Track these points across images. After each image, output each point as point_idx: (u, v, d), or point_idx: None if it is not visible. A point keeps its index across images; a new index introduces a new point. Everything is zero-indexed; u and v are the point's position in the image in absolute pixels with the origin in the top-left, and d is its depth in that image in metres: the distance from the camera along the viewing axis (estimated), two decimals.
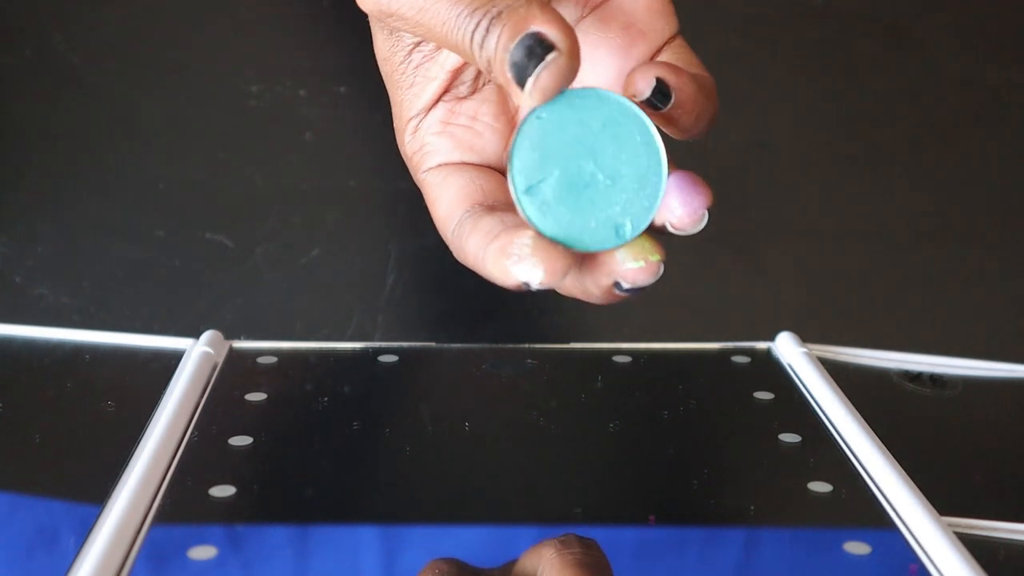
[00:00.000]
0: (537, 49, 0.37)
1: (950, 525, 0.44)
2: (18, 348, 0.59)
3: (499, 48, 0.37)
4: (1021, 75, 0.85)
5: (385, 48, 0.43)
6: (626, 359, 0.57)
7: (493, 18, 0.38)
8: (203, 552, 0.42)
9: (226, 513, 0.44)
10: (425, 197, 0.44)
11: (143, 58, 0.77)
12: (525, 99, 0.38)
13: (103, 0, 0.77)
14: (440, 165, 0.44)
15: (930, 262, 0.80)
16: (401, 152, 0.45)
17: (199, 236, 0.74)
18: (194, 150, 0.76)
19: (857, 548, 0.43)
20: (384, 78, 0.44)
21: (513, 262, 0.37)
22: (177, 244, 0.74)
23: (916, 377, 0.58)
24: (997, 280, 0.79)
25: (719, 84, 0.42)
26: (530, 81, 0.37)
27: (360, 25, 0.46)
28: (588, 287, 0.40)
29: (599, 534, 0.43)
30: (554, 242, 0.37)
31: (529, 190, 0.38)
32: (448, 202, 0.42)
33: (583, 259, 0.39)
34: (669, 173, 0.38)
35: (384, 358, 0.57)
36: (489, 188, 0.42)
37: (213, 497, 0.45)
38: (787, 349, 0.58)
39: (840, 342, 0.60)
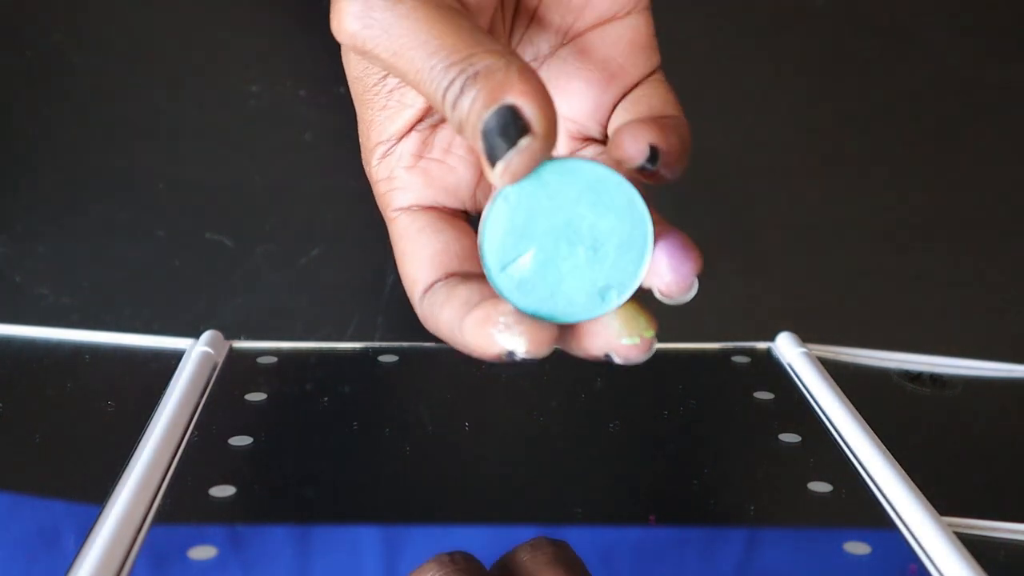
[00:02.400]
0: (511, 129, 0.35)
1: (950, 525, 0.44)
2: (18, 348, 0.59)
3: (472, 113, 0.35)
4: (1021, 75, 0.85)
5: (358, 69, 0.41)
6: None
7: (469, 78, 0.35)
8: (203, 552, 0.42)
9: (226, 513, 0.44)
10: (392, 237, 0.42)
11: (143, 58, 0.77)
12: (494, 179, 0.36)
13: (103, 0, 0.77)
14: (411, 207, 0.42)
15: (930, 262, 0.80)
16: (367, 173, 0.43)
17: (199, 236, 0.74)
18: (194, 150, 0.76)
19: (857, 548, 0.43)
20: (353, 96, 0.42)
21: (499, 330, 0.36)
22: (177, 244, 0.74)
23: (916, 377, 0.58)
24: (997, 280, 0.79)
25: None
26: (500, 165, 0.35)
27: None
28: (579, 354, 0.38)
29: (599, 534, 0.43)
30: (546, 320, 0.36)
31: (504, 268, 0.36)
32: (419, 263, 0.40)
33: (575, 327, 0.37)
34: (656, 236, 0.37)
35: (384, 358, 0.57)
36: (462, 251, 0.40)
37: (213, 497, 0.45)
38: (787, 349, 0.58)
39: (840, 342, 0.60)
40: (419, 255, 0.40)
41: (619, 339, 0.37)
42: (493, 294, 0.37)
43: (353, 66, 0.40)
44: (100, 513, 0.43)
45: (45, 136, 0.76)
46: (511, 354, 0.36)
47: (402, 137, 0.41)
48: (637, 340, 0.37)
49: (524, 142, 0.35)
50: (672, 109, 0.41)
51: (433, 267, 0.40)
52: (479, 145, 0.35)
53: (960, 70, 0.84)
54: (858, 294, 0.78)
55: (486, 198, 0.42)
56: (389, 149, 0.42)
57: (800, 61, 0.84)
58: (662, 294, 0.38)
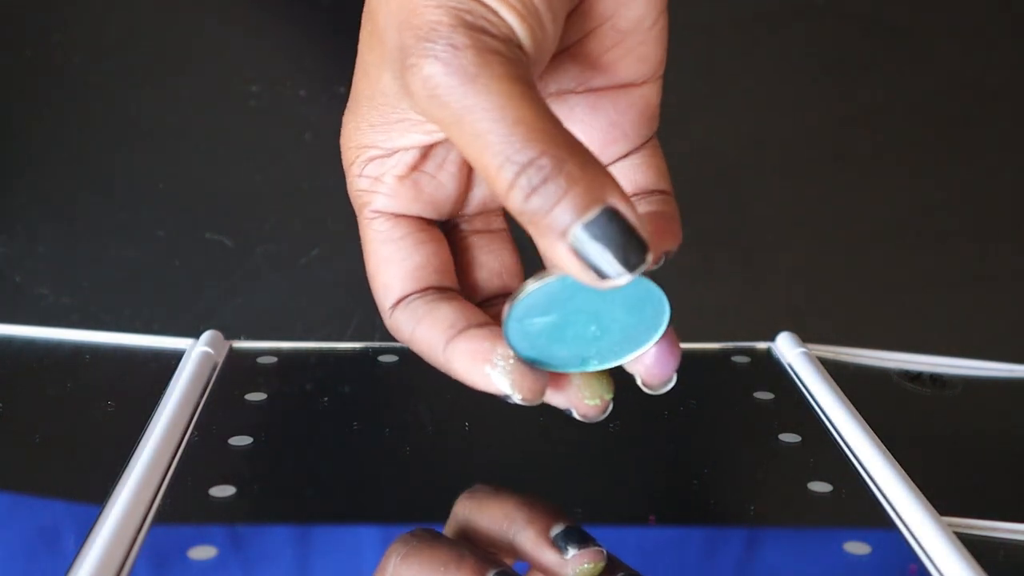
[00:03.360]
0: (632, 246, 0.34)
1: (950, 525, 0.44)
2: (18, 348, 0.59)
3: (563, 212, 0.34)
4: (1020, 75, 0.85)
5: (394, 85, 0.38)
6: None
7: (554, 168, 0.34)
8: (203, 552, 0.42)
9: (226, 513, 0.44)
10: (365, 236, 0.42)
11: (143, 58, 0.77)
12: (591, 284, 0.35)
13: (103, 0, 0.77)
14: (394, 215, 0.42)
15: (930, 262, 0.80)
16: (343, 153, 0.42)
17: (199, 236, 0.74)
18: (194, 150, 0.77)
19: (857, 548, 0.43)
20: (361, 91, 0.40)
21: (498, 374, 0.38)
22: (177, 244, 0.74)
23: (916, 377, 0.59)
24: (997, 280, 0.79)
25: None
26: (616, 281, 0.35)
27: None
28: (547, 398, 0.40)
29: (599, 534, 0.43)
30: (528, 362, 0.38)
31: (521, 320, 0.38)
32: (397, 272, 0.41)
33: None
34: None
35: (384, 358, 0.57)
36: (441, 265, 0.41)
37: (213, 497, 0.45)
38: (787, 349, 0.58)
39: (840, 342, 0.60)
40: (400, 265, 0.41)
41: (580, 399, 0.40)
42: (478, 317, 0.39)
43: (387, 81, 0.39)
44: (100, 513, 0.43)
45: (45, 136, 0.76)
46: (507, 396, 0.38)
47: (398, 152, 0.41)
48: (597, 401, 0.40)
49: (650, 259, 0.35)
50: (664, 183, 0.42)
51: (413, 279, 0.41)
52: (570, 253, 0.34)
53: (961, 70, 0.84)
54: (858, 294, 0.78)
55: (463, 208, 0.43)
56: (384, 155, 0.41)
57: (800, 60, 0.84)
58: (644, 383, 0.41)
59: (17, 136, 0.76)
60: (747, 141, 0.82)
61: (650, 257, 0.35)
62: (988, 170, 0.83)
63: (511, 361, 0.38)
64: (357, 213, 0.42)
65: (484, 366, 0.38)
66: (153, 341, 0.59)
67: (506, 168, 0.34)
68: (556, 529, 0.42)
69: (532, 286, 0.37)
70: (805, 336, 0.59)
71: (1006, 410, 0.58)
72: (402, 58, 0.36)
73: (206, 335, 0.57)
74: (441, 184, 0.42)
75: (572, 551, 0.41)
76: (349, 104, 0.41)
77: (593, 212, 0.34)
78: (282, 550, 0.43)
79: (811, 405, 0.53)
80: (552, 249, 0.35)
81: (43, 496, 0.48)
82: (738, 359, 0.58)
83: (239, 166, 0.76)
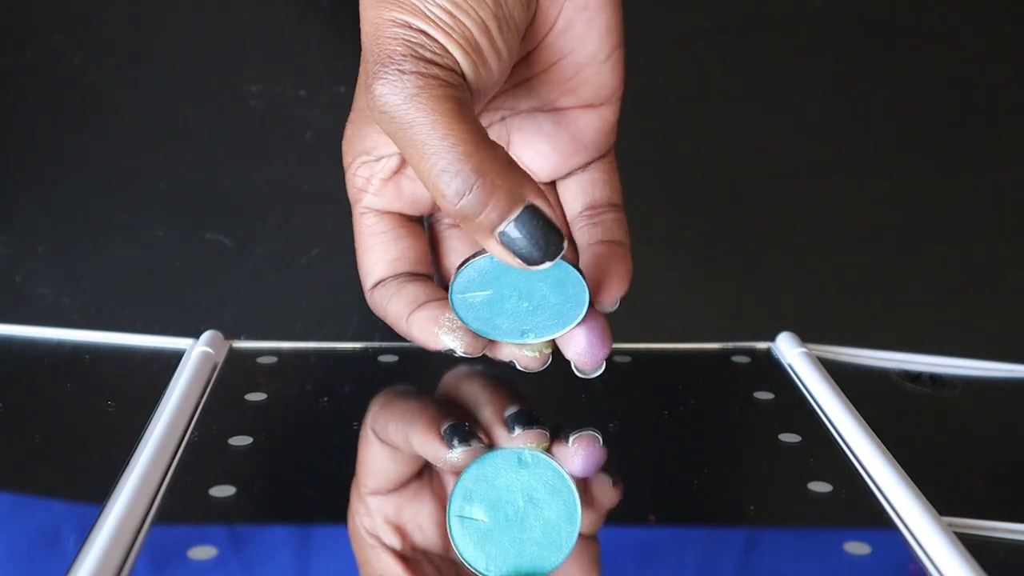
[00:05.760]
0: (552, 236, 0.41)
1: (950, 525, 0.44)
2: (18, 348, 0.59)
3: (490, 213, 0.40)
4: (1021, 75, 0.85)
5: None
6: (626, 359, 0.57)
7: (479, 174, 0.40)
8: (203, 552, 0.42)
9: (226, 513, 0.44)
10: (356, 228, 0.49)
11: (143, 58, 0.77)
12: (516, 265, 0.42)
13: (103, 0, 0.77)
14: (382, 212, 0.49)
15: (930, 263, 0.80)
16: (344, 151, 0.49)
17: (199, 236, 0.74)
18: (194, 150, 0.76)
19: (857, 548, 0.43)
20: (358, 104, 0.47)
21: (444, 332, 0.46)
22: (177, 244, 0.74)
23: (916, 377, 0.59)
24: (997, 280, 0.79)
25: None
26: (542, 266, 0.42)
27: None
28: (490, 356, 0.47)
29: (599, 534, 0.43)
30: (475, 333, 0.46)
31: (463, 293, 0.45)
32: (378, 261, 0.49)
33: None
34: (585, 318, 0.45)
35: (384, 358, 0.57)
36: (416, 257, 0.49)
37: (213, 497, 0.45)
38: (787, 349, 0.58)
39: (840, 342, 0.60)
40: (381, 255, 0.49)
41: (523, 351, 0.46)
42: (436, 294, 0.47)
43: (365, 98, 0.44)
44: (100, 513, 0.43)
45: (45, 136, 0.76)
46: (451, 351, 0.46)
47: (384, 157, 0.48)
48: (537, 355, 0.46)
49: (566, 245, 0.42)
50: (616, 197, 0.49)
51: (390, 268, 0.49)
52: (499, 242, 0.41)
53: (960, 70, 0.84)
54: (858, 294, 0.78)
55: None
56: (372, 160, 0.48)
57: (800, 61, 0.84)
58: (576, 367, 0.47)
59: (17, 136, 0.76)
60: (747, 141, 0.82)
61: (566, 244, 0.42)
62: (988, 170, 0.83)
63: (455, 321, 0.46)
64: (352, 207, 0.49)
65: (434, 328, 0.46)
66: (153, 341, 0.59)
67: (440, 177, 0.40)
68: (510, 410, 0.50)
69: (468, 263, 0.44)
70: (805, 336, 0.59)
71: (1006, 410, 0.58)
72: (364, 79, 0.42)
73: (206, 335, 0.57)
74: (419, 186, 0.48)
75: (518, 431, 0.48)
76: (351, 113, 0.48)
77: (516, 211, 0.41)
78: (282, 550, 0.43)
79: (811, 405, 0.53)
80: (484, 243, 0.42)
81: (43, 496, 0.48)
82: (738, 359, 0.58)
83: (239, 166, 0.76)
